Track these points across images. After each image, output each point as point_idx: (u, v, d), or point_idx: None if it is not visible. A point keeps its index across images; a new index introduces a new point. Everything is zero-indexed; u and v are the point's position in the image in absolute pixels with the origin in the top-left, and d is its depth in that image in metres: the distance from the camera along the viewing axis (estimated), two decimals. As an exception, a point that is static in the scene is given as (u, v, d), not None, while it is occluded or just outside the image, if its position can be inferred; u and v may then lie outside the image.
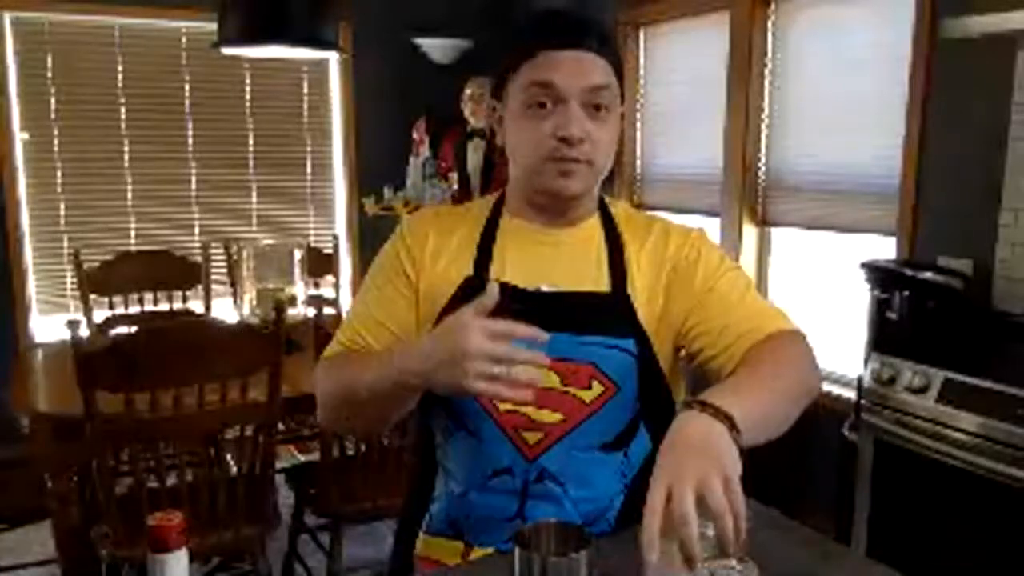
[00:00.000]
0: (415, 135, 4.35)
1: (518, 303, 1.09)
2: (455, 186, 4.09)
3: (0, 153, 3.79)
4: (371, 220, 4.37)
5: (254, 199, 4.40)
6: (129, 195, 4.13)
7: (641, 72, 3.94)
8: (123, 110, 4.06)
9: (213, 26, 2.77)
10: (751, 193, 3.39)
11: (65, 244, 4.01)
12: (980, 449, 2.00)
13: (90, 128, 4.01)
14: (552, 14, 1.15)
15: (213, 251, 3.71)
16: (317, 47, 2.77)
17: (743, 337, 1.10)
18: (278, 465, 2.30)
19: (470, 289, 1.14)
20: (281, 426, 2.79)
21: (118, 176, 4.09)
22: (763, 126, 3.34)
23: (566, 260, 1.17)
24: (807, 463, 3.08)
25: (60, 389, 2.23)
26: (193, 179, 4.25)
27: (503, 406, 1.12)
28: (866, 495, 2.32)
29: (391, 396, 1.04)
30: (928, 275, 2.39)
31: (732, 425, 0.87)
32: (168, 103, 4.13)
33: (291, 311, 2.38)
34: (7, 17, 3.79)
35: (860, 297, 2.59)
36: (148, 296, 3.34)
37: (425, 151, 4.27)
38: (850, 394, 2.61)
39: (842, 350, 2.87)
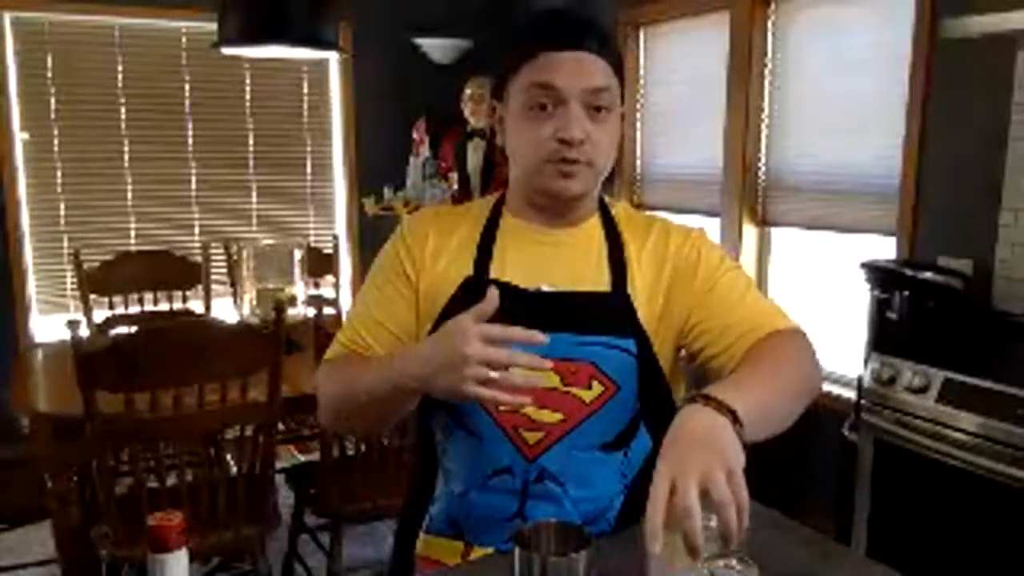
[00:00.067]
0: (415, 135, 4.35)
1: (519, 303, 1.09)
2: (455, 186, 4.09)
3: (0, 153, 3.79)
4: (371, 220, 4.38)
5: (254, 199, 4.40)
6: (129, 195, 4.13)
7: (641, 72, 3.94)
8: (123, 110, 4.06)
9: (213, 26, 2.77)
10: (751, 193, 3.39)
11: (65, 244, 4.01)
12: (980, 449, 2.00)
13: (90, 128, 4.01)
14: (552, 14, 1.15)
15: (213, 251, 3.72)
16: (317, 47, 2.77)
17: (744, 336, 1.10)
18: (278, 465, 2.30)
19: (470, 289, 1.15)
20: (281, 426, 2.79)
21: (118, 176, 4.09)
22: (763, 126, 3.34)
23: (566, 260, 1.17)
24: (807, 463, 3.08)
25: (60, 389, 2.23)
26: (193, 179, 4.25)
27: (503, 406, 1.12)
28: (866, 495, 2.32)
29: (391, 399, 1.05)
30: (928, 275, 2.39)
31: (735, 419, 0.87)
32: (168, 103, 4.13)
33: (291, 311, 2.38)
34: (7, 17, 3.79)
35: (860, 297, 2.59)
36: (148, 296, 3.34)
37: (425, 151, 4.27)
38: (850, 394, 2.61)
39: (842, 350, 2.87)
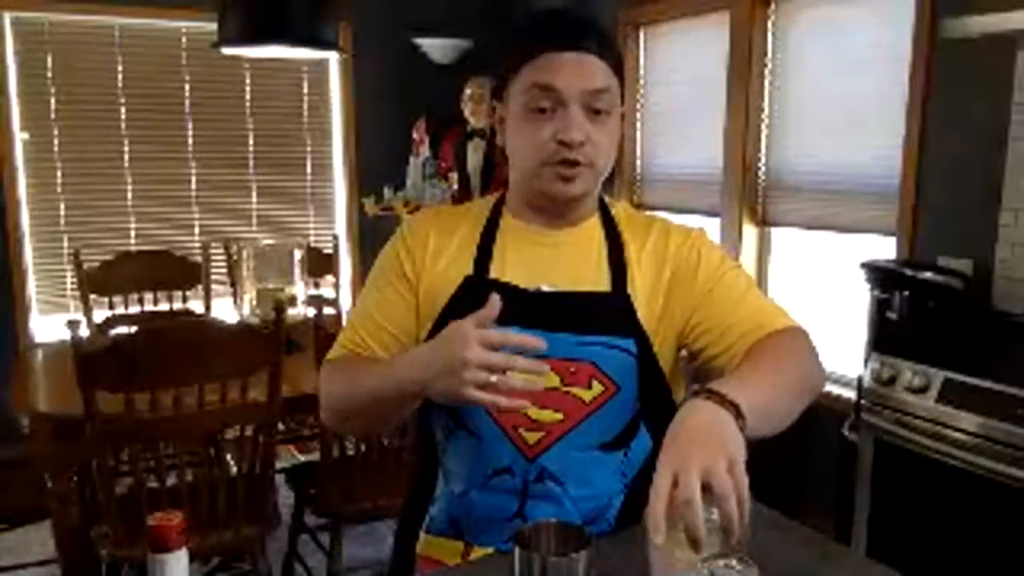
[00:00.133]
0: (415, 135, 4.35)
1: (519, 303, 1.09)
2: (455, 186, 4.09)
3: (0, 153, 3.79)
4: (371, 220, 4.37)
5: (254, 199, 4.40)
6: (129, 195, 4.13)
7: (641, 72, 3.94)
8: (123, 110, 4.06)
9: (213, 26, 2.77)
10: (751, 193, 3.39)
11: (65, 244, 4.01)
12: (980, 449, 2.00)
13: (90, 128, 4.01)
14: (553, 14, 1.15)
15: (213, 251, 3.72)
16: (317, 47, 2.77)
17: (745, 336, 1.10)
18: (278, 465, 2.30)
19: (470, 288, 1.15)
20: (281, 426, 2.79)
21: (118, 176, 4.09)
22: (763, 126, 3.34)
23: (566, 260, 1.17)
24: (807, 463, 3.08)
25: (60, 389, 2.23)
26: (193, 179, 4.24)
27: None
28: (866, 495, 2.32)
29: (392, 400, 1.06)
30: (928, 275, 2.39)
31: (738, 413, 0.88)
32: (168, 103, 4.13)
33: (291, 311, 2.38)
34: (7, 17, 3.79)
35: (860, 297, 2.59)
36: (148, 296, 3.34)
37: (425, 151, 4.27)
38: (850, 394, 2.61)
39: (842, 350, 2.87)
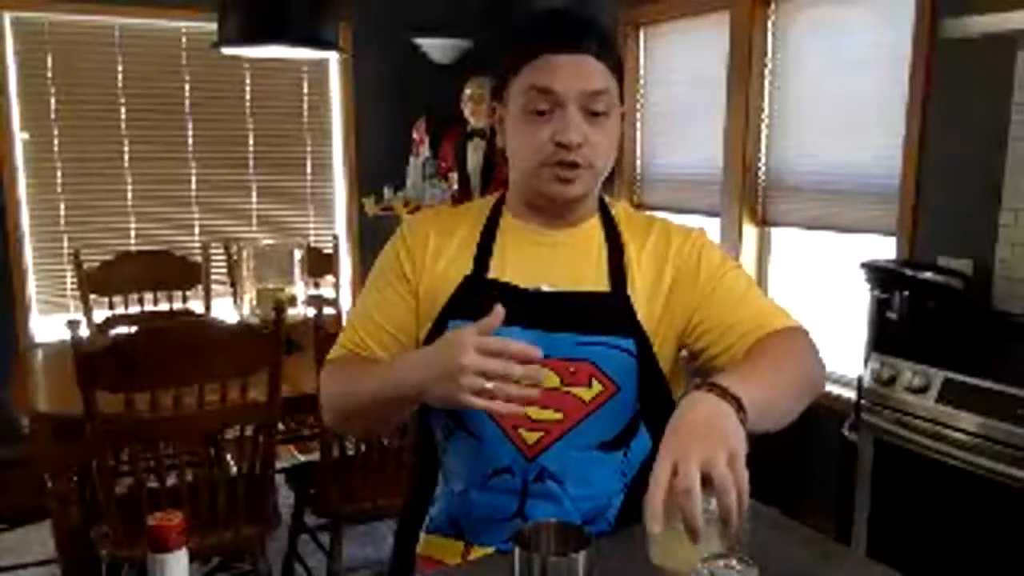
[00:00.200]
0: (415, 135, 4.35)
1: (519, 303, 1.09)
2: (455, 186, 4.09)
3: (0, 153, 3.79)
4: (371, 220, 4.37)
5: (254, 199, 4.40)
6: (129, 195, 4.12)
7: (641, 72, 3.94)
8: (123, 110, 4.06)
9: (213, 26, 2.77)
10: (751, 193, 3.39)
11: (65, 244, 4.01)
12: (980, 449, 2.00)
13: (90, 128, 4.01)
14: (552, 14, 1.15)
15: (213, 251, 3.71)
16: (317, 47, 2.77)
17: (746, 335, 1.10)
18: (278, 465, 2.30)
19: (470, 288, 1.15)
20: (281, 426, 2.79)
21: (118, 176, 4.09)
22: (763, 126, 3.34)
23: (566, 260, 1.18)
24: (807, 463, 3.08)
25: (60, 389, 2.23)
26: (193, 179, 4.24)
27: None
28: (866, 495, 2.32)
29: (391, 401, 1.07)
30: (928, 275, 2.39)
31: (740, 407, 0.88)
32: (168, 103, 4.13)
33: (291, 311, 2.38)
34: (7, 17, 3.79)
35: (860, 297, 2.59)
36: (148, 296, 3.34)
37: (425, 151, 4.27)
38: (850, 394, 2.61)
39: (842, 350, 2.87)
